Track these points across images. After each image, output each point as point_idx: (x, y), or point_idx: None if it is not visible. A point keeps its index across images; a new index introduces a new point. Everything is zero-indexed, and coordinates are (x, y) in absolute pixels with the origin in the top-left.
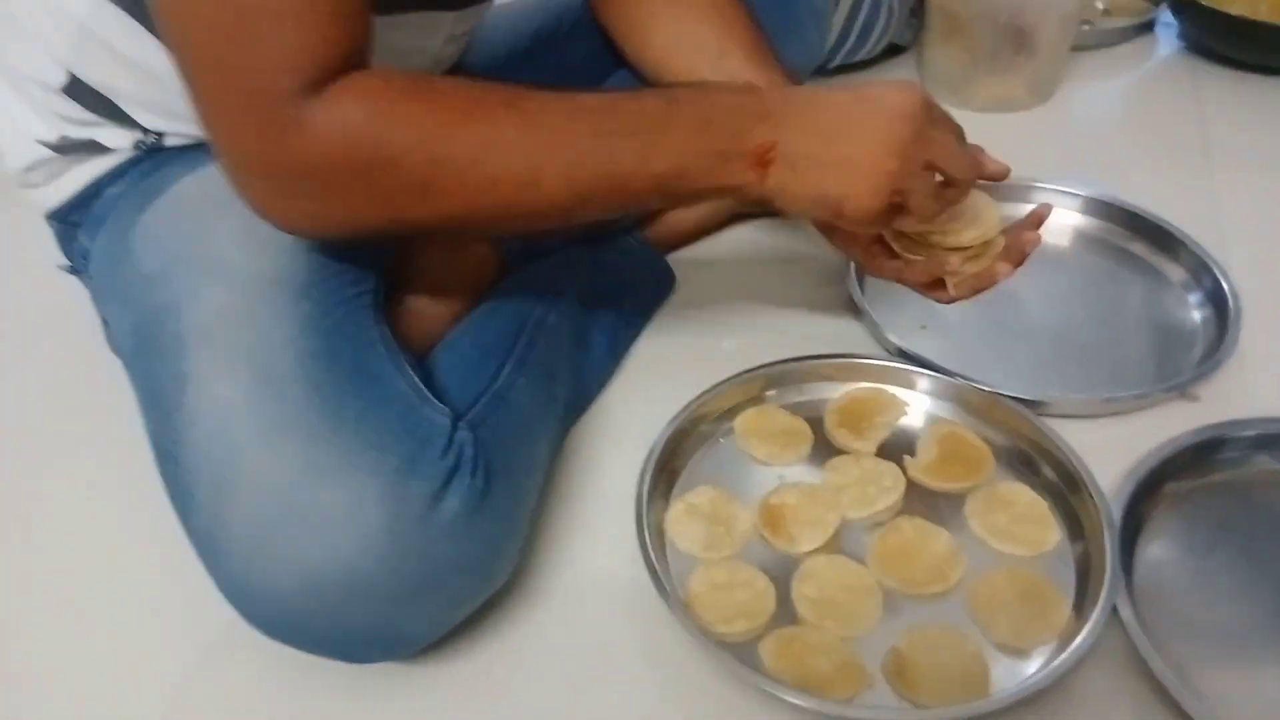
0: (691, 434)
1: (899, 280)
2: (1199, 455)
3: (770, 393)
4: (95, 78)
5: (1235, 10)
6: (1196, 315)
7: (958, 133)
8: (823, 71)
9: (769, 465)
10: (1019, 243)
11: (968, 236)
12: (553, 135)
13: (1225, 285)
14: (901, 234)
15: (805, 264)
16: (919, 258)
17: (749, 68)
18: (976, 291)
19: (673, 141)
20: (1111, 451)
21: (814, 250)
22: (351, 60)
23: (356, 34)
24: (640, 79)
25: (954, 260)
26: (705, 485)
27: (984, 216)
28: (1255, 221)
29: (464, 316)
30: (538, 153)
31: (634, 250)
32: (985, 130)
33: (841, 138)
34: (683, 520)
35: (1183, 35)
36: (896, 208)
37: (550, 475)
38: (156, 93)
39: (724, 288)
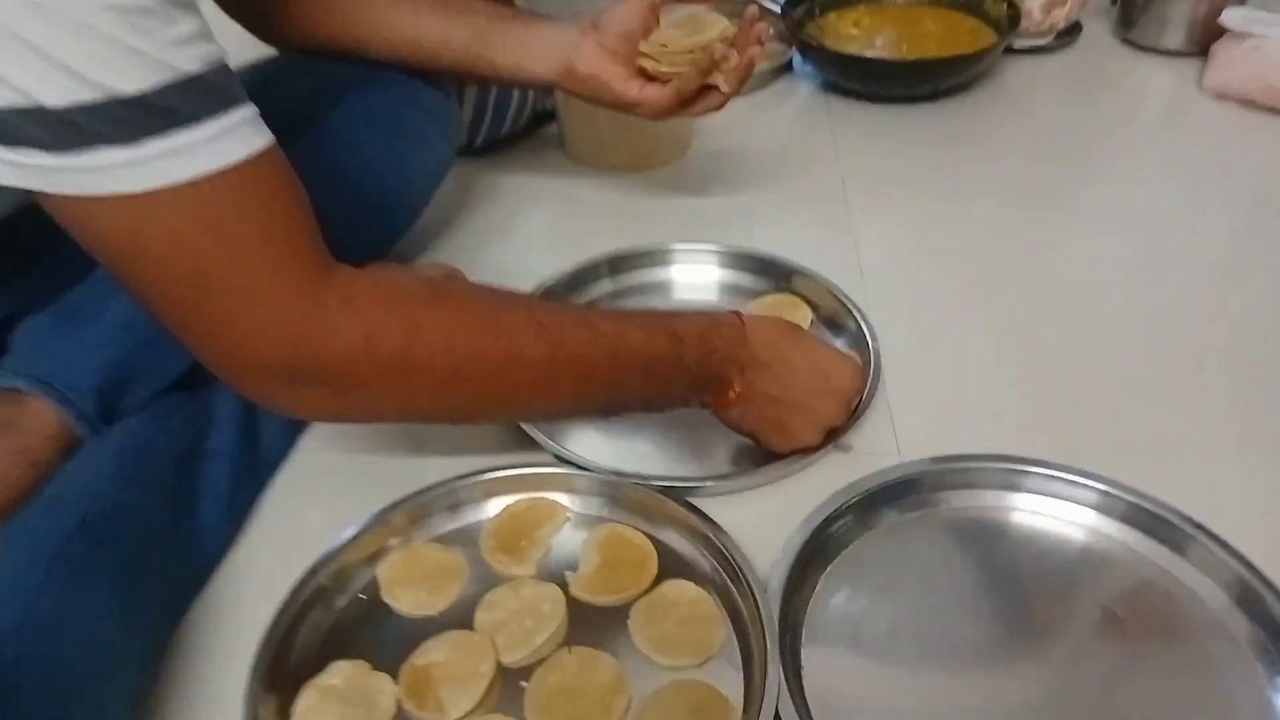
0: (320, 601)
1: (675, 102)
2: (860, 510)
3: (417, 529)
4: None
5: (851, 50)
6: None
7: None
8: (470, 152)
9: (420, 616)
10: (753, 32)
11: (715, 32)
12: (572, 359)
13: (865, 327)
14: (646, 55)
15: None
16: (682, 70)
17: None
18: (744, 81)
19: (671, 381)
20: (778, 522)
21: None
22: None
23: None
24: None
25: (720, 47)
26: (342, 660)
27: (712, 21)
28: (888, 259)
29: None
30: (556, 371)
31: None
32: (626, 189)
33: (800, 392)
34: (315, 710)
35: (815, 75)
36: None
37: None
38: None
39: None
